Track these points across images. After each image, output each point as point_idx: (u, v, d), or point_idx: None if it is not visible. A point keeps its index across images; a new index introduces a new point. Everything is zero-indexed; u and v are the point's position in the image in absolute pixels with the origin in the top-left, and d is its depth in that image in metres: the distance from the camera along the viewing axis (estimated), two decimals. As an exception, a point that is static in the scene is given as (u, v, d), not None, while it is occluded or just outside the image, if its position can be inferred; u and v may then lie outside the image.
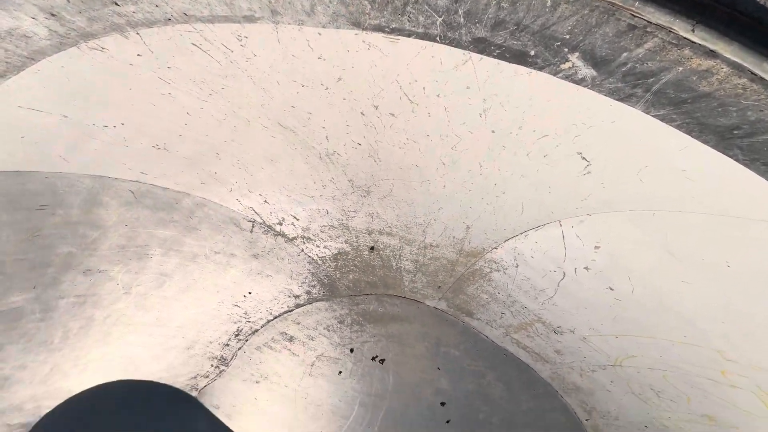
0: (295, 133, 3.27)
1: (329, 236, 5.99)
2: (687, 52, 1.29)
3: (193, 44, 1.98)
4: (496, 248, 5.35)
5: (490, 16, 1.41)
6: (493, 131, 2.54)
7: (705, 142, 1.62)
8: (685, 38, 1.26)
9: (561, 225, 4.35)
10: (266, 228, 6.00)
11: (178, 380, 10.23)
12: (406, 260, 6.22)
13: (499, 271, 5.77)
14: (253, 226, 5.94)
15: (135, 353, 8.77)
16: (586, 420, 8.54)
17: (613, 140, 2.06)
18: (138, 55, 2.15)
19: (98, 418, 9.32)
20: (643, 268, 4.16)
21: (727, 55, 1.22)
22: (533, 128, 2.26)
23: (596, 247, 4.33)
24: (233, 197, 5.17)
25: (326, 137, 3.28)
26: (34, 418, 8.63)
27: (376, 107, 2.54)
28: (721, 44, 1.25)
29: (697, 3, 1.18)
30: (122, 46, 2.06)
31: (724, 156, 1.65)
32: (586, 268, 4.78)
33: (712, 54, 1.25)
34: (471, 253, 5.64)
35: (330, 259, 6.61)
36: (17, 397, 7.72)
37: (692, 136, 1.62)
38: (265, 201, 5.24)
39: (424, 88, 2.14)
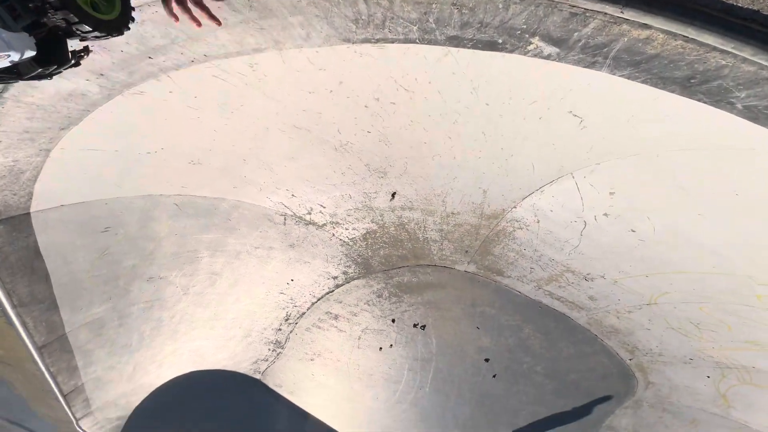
0: (310, 132, 3.60)
1: (355, 218, 6.38)
2: (625, 26, 1.45)
3: (213, 76, 2.31)
4: (515, 207, 5.54)
5: (455, 20, 1.61)
6: (487, 104, 2.74)
7: (671, 91, 1.76)
8: (619, 17, 1.42)
9: (573, 176, 4.48)
10: (297, 219, 6.47)
11: (242, 366, 11.29)
12: (431, 230, 6.53)
13: (521, 228, 5.97)
14: (285, 219, 6.42)
15: (201, 346, 9.79)
16: (630, 359, 8.77)
17: (594, 98, 2.21)
18: (169, 92, 2.52)
19: (178, 407, 10.62)
20: (659, 207, 4.26)
21: (658, 26, 1.37)
22: (522, 96, 2.44)
23: (611, 193, 4.45)
24: (263, 195, 5.63)
25: (338, 130, 3.58)
26: (126, 412, 9.99)
27: (377, 99, 2.80)
28: (650, 18, 1.40)
29: (620, -11, 1.35)
30: (156, 88, 2.42)
31: (692, 100, 1.79)
32: (606, 215, 4.90)
33: (646, 26, 1.41)
34: (492, 215, 5.86)
35: (360, 240, 7.04)
36: (111, 395, 8.95)
37: (658, 88, 1.76)
38: (293, 195, 5.66)
39: (416, 79, 2.37)
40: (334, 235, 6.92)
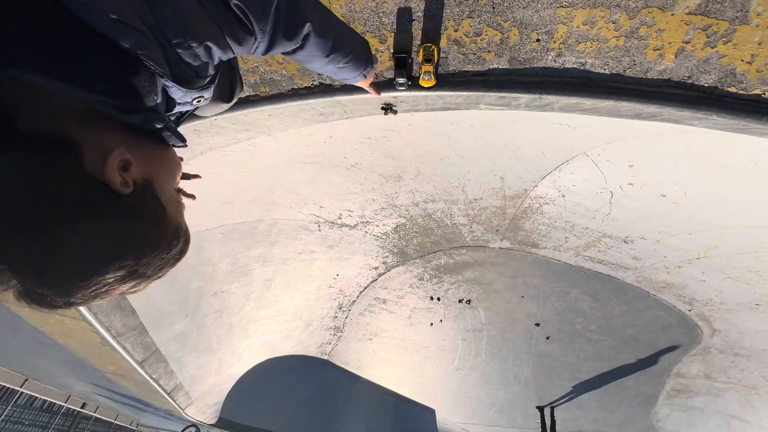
0: (320, 163, 3.90)
1: (383, 216, 6.69)
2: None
3: (221, 155, 2.67)
4: (536, 186, 5.50)
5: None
6: (471, 125, 2.84)
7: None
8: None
9: (588, 155, 4.37)
10: (330, 224, 6.92)
11: (310, 350, 12.42)
12: (458, 216, 6.66)
13: (548, 204, 5.92)
14: (319, 226, 6.90)
15: (271, 338, 10.92)
16: (689, 310, 8.47)
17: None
18: (186, 164, 2.94)
19: (262, 389, 12.12)
20: (683, 175, 4.06)
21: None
22: (500, 119, 2.51)
23: (630, 166, 4.29)
24: (295, 211, 6.10)
25: (344, 157, 3.85)
26: (221, 398, 11.60)
27: (369, 138, 3.01)
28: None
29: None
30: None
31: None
32: (630, 184, 4.74)
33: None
34: (515, 195, 5.86)
35: (392, 233, 7.36)
36: (205, 386, 10.42)
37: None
38: (321, 206, 6.07)
39: (394, 125, 2.52)
40: (367, 232, 7.30)
